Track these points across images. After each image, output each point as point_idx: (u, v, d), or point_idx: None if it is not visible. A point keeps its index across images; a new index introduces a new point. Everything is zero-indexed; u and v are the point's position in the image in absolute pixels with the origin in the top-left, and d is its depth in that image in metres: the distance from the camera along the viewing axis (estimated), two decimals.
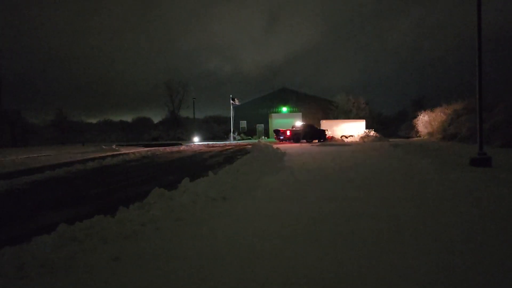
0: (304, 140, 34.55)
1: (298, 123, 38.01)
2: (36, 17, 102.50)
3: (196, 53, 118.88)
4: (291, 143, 33.49)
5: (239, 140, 48.12)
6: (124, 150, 30.76)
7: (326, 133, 36.17)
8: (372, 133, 37.24)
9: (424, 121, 40.47)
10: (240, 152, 24.31)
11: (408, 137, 40.59)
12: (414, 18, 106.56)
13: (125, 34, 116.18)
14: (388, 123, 52.10)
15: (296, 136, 34.30)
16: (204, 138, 53.24)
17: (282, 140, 35.14)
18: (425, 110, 43.18)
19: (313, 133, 35.26)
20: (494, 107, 27.25)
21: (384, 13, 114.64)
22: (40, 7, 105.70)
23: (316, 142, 33.95)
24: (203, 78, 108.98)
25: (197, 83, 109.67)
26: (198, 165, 17.08)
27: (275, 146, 25.85)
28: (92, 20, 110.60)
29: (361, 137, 35.96)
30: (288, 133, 34.75)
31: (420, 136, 39.99)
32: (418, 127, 41.02)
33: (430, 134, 38.85)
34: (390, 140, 35.56)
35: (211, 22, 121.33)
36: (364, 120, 42.05)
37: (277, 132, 37.04)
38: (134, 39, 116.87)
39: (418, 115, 42.36)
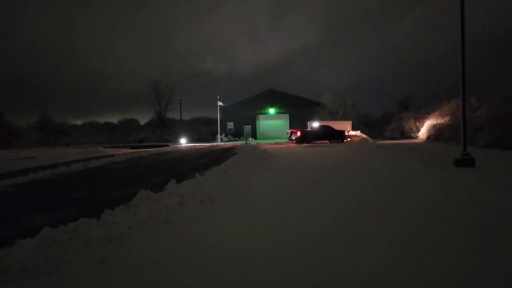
0: (319, 141, 34.16)
1: (315, 124, 37.43)
2: (20, 17, 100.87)
3: (190, 53, 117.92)
4: (302, 143, 32.88)
5: (226, 141, 48.05)
6: (110, 152, 30.44)
7: (346, 133, 35.14)
8: (359, 134, 37.58)
9: (409, 123, 41.07)
10: (227, 153, 24.27)
11: (393, 138, 41.05)
12: (416, 17, 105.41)
13: (114, 34, 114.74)
14: (374, 124, 52.58)
15: (307, 137, 33.86)
16: (191, 140, 53.05)
17: (293, 141, 34.63)
18: (410, 112, 43.85)
19: (328, 134, 34.47)
20: (477, 108, 27.77)
21: (387, 11, 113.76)
22: (24, 7, 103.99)
23: (326, 143, 33.48)
24: (196, 78, 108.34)
25: (190, 84, 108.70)
26: (185, 166, 16.99)
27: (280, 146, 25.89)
28: (80, 20, 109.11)
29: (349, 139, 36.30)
30: (298, 133, 34.40)
31: (405, 138, 40.50)
32: (403, 129, 41.59)
33: (415, 135, 39.41)
34: (377, 141, 35.89)
35: (207, 21, 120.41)
36: (351, 122, 42.40)
37: (288, 132, 37.02)
38: (124, 39, 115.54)
39: (403, 117, 42.97)
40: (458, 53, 12.31)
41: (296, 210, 6.66)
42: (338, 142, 33.86)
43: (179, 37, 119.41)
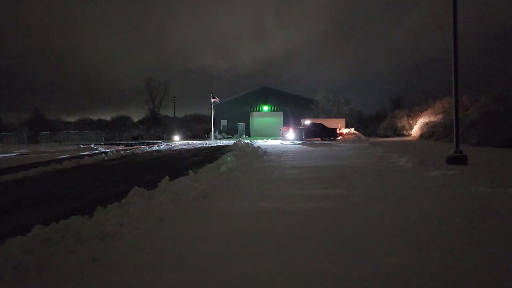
0: (315, 139, 34.09)
1: (307, 122, 37.42)
2: (15, 12, 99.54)
3: (188, 49, 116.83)
4: (295, 141, 32.81)
5: (219, 139, 47.99)
6: (102, 149, 30.25)
7: (338, 131, 35.25)
8: (353, 131, 37.71)
9: (402, 121, 41.28)
10: (220, 151, 24.22)
11: (386, 136, 41.22)
12: (420, 14, 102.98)
13: (110, 28, 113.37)
14: (367, 122, 52.78)
15: (299, 135, 33.81)
16: (185, 137, 52.92)
17: (286, 138, 34.55)
18: (403, 110, 44.07)
19: (320, 131, 34.51)
20: (469, 106, 27.96)
21: (392, 7, 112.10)
22: (18, 2, 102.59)
23: (319, 140, 33.48)
24: (193, 75, 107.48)
25: (186, 80, 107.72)
26: (178, 164, 16.93)
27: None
28: (75, 14, 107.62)
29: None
30: (291, 131, 34.34)
31: (398, 135, 40.71)
32: (396, 126, 41.80)
33: (408, 133, 39.63)
34: (370, 139, 36.02)
35: (207, 15, 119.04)
36: (344, 119, 42.50)
37: (281, 130, 37.05)
38: (120, 34, 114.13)
39: (396, 115, 43.17)
40: (461, 48, 12.34)
41: (290, 208, 6.64)
42: (331, 139, 33.94)
43: (178, 33, 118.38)
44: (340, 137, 34.95)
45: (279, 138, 36.38)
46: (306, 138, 33.88)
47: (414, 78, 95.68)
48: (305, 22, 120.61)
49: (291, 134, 33.97)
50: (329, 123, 37.14)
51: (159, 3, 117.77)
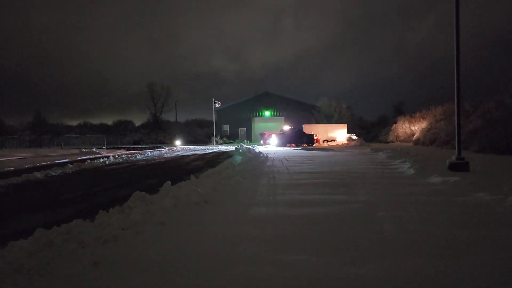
0: (292, 144, 34.42)
1: (286, 127, 37.90)
2: (16, 14, 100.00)
3: (197, 52, 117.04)
4: (278, 147, 33.42)
5: (221, 144, 48.02)
6: (104, 153, 30.29)
7: (315, 137, 36.15)
8: (354, 137, 37.76)
9: (404, 127, 41.25)
10: (222, 155, 24.24)
11: (387, 142, 41.18)
12: (435, 18, 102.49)
13: (117, 31, 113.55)
14: (369, 127, 52.75)
15: (281, 140, 34.21)
16: (186, 142, 52.97)
17: (268, 144, 35.18)
18: (405, 116, 44.05)
19: (301, 138, 35.11)
20: (471, 112, 27.92)
21: (409, 9, 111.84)
22: (22, 4, 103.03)
23: (298, 146, 33.87)
24: (199, 79, 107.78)
25: (191, 84, 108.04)
26: (180, 168, 16.94)
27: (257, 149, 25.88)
28: (81, 18, 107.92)
29: (345, 142, 36.49)
30: (273, 137, 34.88)
31: (400, 141, 40.66)
32: (398, 132, 41.76)
33: (409, 139, 39.59)
34: (371, 144, 36.01)
35: (216, 19, 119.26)
36: (346, 125, 42.51)
37: (262, 135, 37.30)
38: (127, 37, 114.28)
39: (398, 120, 43.15)
40: (464, 55, 12.38)
41: (291, 214, 6.64)
42: (308, 145, 34.50)
43: (186, 36, 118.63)
44: (316, 144, 35.44)
45: (261, 143, 36.83)
46: (287, 143, 34.22)
47: (417, 84, 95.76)
48: (313, 26, 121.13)
49: (274, 139, 34.41)
50: (307, 129, 37.77)
51: (168, 5, 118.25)
